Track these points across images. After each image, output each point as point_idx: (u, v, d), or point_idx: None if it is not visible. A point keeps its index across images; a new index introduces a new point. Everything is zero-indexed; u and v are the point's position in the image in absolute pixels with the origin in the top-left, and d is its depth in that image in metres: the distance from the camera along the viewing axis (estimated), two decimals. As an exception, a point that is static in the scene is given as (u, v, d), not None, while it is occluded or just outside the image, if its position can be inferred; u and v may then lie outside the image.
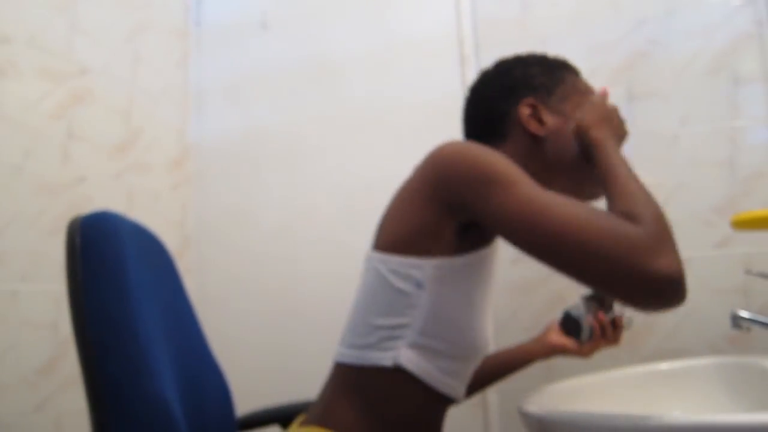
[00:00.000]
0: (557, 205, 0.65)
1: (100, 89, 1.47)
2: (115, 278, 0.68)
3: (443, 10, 1.60)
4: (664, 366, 1.06)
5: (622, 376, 1.05)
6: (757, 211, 1.06)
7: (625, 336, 1.33)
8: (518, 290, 1.42)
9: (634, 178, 0.73)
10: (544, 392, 0.92)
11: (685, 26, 1.37)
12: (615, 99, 1.40)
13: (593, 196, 0.89)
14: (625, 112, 1.39)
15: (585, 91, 0.92)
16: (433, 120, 1.58)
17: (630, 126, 1.38)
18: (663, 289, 0.58)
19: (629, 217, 0.63)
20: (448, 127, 1.61)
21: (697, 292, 1.28)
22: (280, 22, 1.73)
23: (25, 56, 1.28)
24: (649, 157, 1.36)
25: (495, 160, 0.71)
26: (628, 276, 0.58)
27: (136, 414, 0.64)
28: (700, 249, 1.30)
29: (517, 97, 0.88)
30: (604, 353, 1.33)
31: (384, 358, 0.74)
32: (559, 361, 1.36)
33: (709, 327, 1.26)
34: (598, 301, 1.02)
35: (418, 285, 0.73)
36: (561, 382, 0.99)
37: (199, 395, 0.87)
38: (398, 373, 0.73)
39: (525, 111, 0.86)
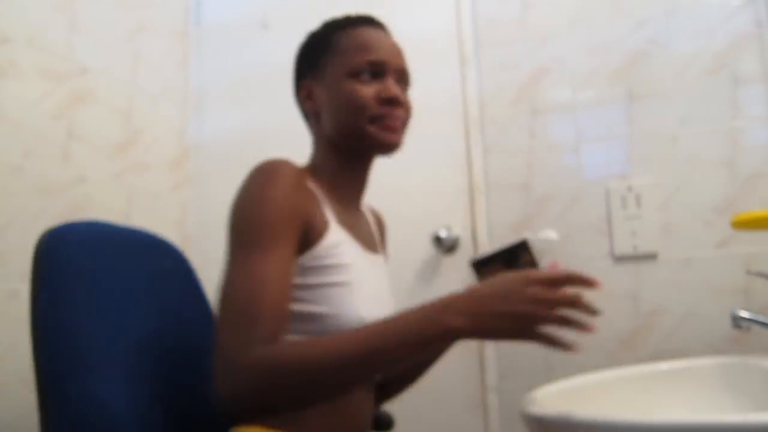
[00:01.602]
0: (237, 287, 0.69)
1: (100, 89, 1.47)
2: (64, 285, 0.75)
3: (443, 9, 1.60)
4: (664, 366, 1.06)
5: (622, 376, 1.05)
6: (757, 211, 1.06)
7: (625, 336, 1.33)
8: (518, 290, 1.42)
9: (374, 363, 0.66)
10: (544, 392, 0.92)
11: (685, 26, 1.37)
12: (615, 99, 1.41)
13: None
14: (625, 112, 1.40)
15: (347, 46, 0.86)
16: (433, 120, 1.57)
17: (630, 126, 1.39)
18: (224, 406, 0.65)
19: (270, 360, 0.64)
20: (448, 126, 1.62)
21: (697, 292, 1.29)
22: (280, 22, 1.73)
23: (25, 56, 1.28)
24: (649, 157, 1.37)
25: (260, 210, 0.73)
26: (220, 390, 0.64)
27: (69, 409, 0.69)
28: (700, 249, 1.30)
29: (299, 84, 0.91)
30: (604, 353, 1.34)
31: None
32: (559, 361, 1.36)
33: (709, 327, 1.26)
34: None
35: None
36: (561, 382, 0.99)
37: (191, 395, 0.87)
38: None
39: (302, 95, 0.90)
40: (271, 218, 0.73)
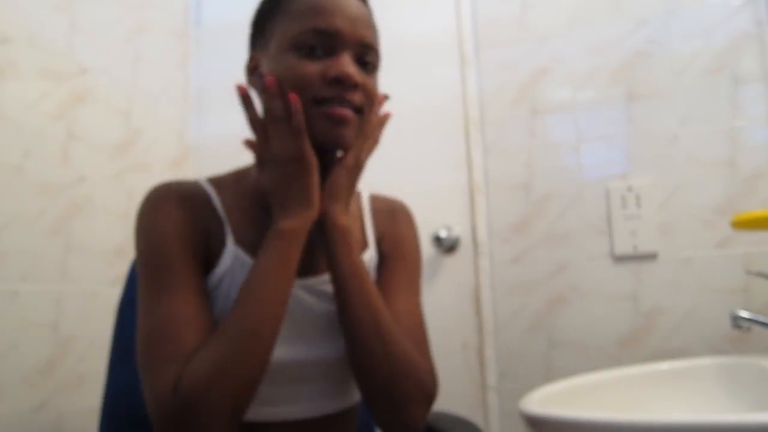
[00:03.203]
0: (146, 332, 0.64)
1: (100, 89, 1.47)
2: (130, 288, 0.90)
3: (443, 9, 1.60)
4: (664, 366, 1.06)
5: (622, 376, 1.05)
6: (757, 211, 1.06)
7: (625, 336, 1.33)
8: (518, 290, 1.42)
9: (253, 293, 0.64)
10: (544, 392, 0.92)
11: (685, 26, 1.37)
12: (615, 99, 1.41)
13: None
14: (625, 112, 1.40)
15: (292, 12, 0.69)
16: (433, 119, 1.58)
17: (630, 126, 1.39)
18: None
19: (186, 379, 0.59)
20: (448, 126, 1.62)
21: (697, 292, 1.29)
22: (280, 22, 1.73)
23: (25, 56, 1.28)
24: (649, 157, 1.37)
25: (154, 246, 0.67)
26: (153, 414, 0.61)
27: (107, 392, 0.88)
28: (700, 249, 1.30)
29: (249, 58, 0.77)
30: (605, 353, 1.34)
31: None
32: (559, 361, 1.37)
33: (709, 327, 1.26)
34: None
35: None
36: (561, 382, 0.99)
37: None
38: None
39: (249, 70, 0.76)
40: (167, 249, 0.66)
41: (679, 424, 0.63)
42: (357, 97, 0.68)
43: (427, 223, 1.50)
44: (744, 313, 1.05)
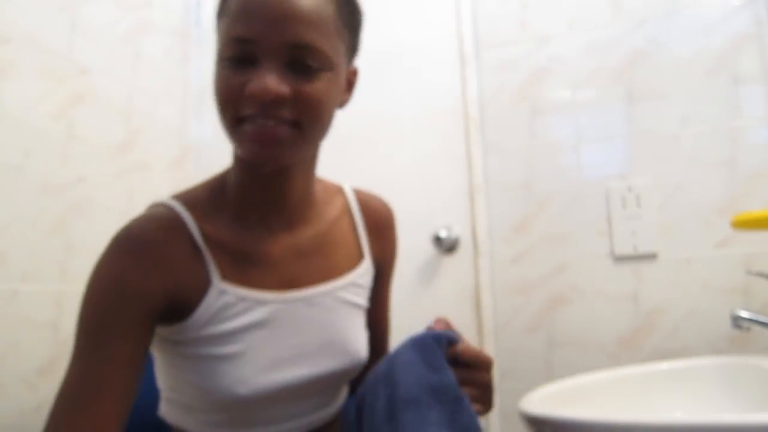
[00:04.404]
0: (62, 393, 0.59)
1: (100, 89, 1.46)
2: None
3: (443, 9, 1.60)
4: (664, 366, 1.06)
5: (622, 376, 1.05)
6: (757, 211, 1.06)
7: (625, 336, 1.33)
8: (518, 290, 1.43)
9: None
10: (544, 392, 0.92)
11: (685, 26, 1.37)
12: (615, 99, 1.41)
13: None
14: (625, 112, 1.40)
15: (228, 13, 0.64)
16: (433, 119, 1.58)
17: (630, 126, 1.39)
18: None
19: None
20: (448, 126, 1.62)
21: (697, 292, 1.29)
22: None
23: (25, 56, 1.28)
24: (649, 157, 1.37)
25: (99, 298, 0.60)
26: None
27: None
28: (700, 249, 1.30)
29: None
30: (605, 353, 1.34)
31: (162, 409, 0.74)
32: (559, 361, 1.37)
33: (709, 327, 1.26)
34: None
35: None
36: (561, 382, 0.99)
37: None
38: (171, 428, 0.73)
39: None
40: (108, 310, 0.59)
41: (679, 424, 0.63)
42: (287, 112, 0.59)
43: (427, 223, 1.50)
44: (744, 313, 1.05)
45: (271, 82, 0.58)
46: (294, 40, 0.59)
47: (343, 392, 0.80)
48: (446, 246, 1.48)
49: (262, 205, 0.69)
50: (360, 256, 0.78)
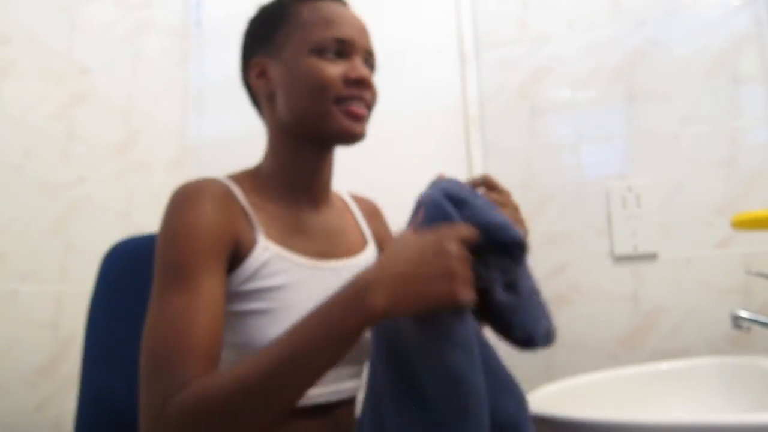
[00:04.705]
0: (155, 332, 0.62)
1: (100, 89, 1.47)
2: (103, 290, 0.90)
3: (443, 9, 1.60)
4: (664, 366, 1.06)
5: (622, 376, 1.05)
6: (757, 211, 1.06)
7: (625, 336, 1.33)
8: (518, 290, 1.42)
9: (295, 357, 0.57)
10: (544, 392, 0.92)
11: (685, 26, 1.37)
12: (615, 99, 1.41)
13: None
14: (625, 112, 1.40)
15: (309, 21, 0.76)
16: (433, 119, 1.58)
17: (630, 126, 1.39)
18: None
19: (181, 402, 0.57)
20: (448, 126, 1.62)
21: (697, 292, 1.28)
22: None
23: (25, 56, 1.28)
24: (649, 157, 1.37)
25: (169, 235, 0.67)
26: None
27: (83, 394, 0.86)
28: (700, 249, 1.30)
29: (248, 61, 0.81)
30: (605, 353, 1.34)
31: None
32: (559, 361, 1.36)
33: (709, 327, 1.26)
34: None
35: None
36: (561, 382, 0.99)
37: None
38: None
39: (253, 73, 0.80)
40: (193, 247, 0.65)
41: (679, 424, 0.63)
42: (369, 96, 0.77)
43: (427, 223, 1.50)
44: (744, 313, 1.05)
45: (367, 71, 0.76)
46: (368, 47, 0.79)
47: (363, 373, 0.80)
48: (446, 246, 1.48)
49: (296, 187, 0.80)
50: (365, 242, 0.88)
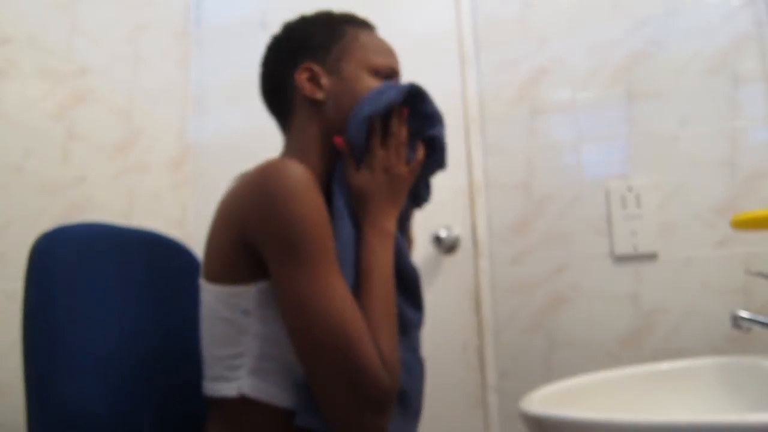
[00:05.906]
0: (334, 313, 0.67)
1: (100, 89, 1.47)
2: (50, 287, 0.81)
3: (443, 9, 1.60)
4: (664, 366, 1.06)
5: (622, 376, 1.05)
6: (757, 211, 1.06)
7: (625, 336, 1.33)
8: (518, 290, 1.42)
9: (386, 280, 0.75)
10: (544, 392, 0.92)
11: (685, 26, 1.37)
12: (615, 99, 1.41)
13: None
14: (625, 112, 1.40)
15: (368, 46, 0.88)
16: (433, 120, 1.57)
17: (630, 126, 1.39)
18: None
19: (385, 361, 0.68)
20: (448, 126, 1.61)
21: (697, 292, 1.29)
22: (280, 22, 1.73)
23: (25, 56, 1.28)
24: (649, 157, 1.37)
25: (307, 218, 0.69)
26: (350, 413, 0.66)
27: (46, 410, 0.76)
28: (700, 249, 1.30)
29: (295, 62, 0.85)
30: (605, 353, 1.34)
31: (229, 388, 0.73)
32: (559, 361, 1.37)
33: (709, 327, 1.26)
34: None
35: (245, 312, 0.72)
36: (561, 382, 0.99)
37: (180, 398, 0.87)
38: (246, 402, 0.72)
39: (302, 75, 0.84)
40: (323, 234, 0.70)
41: (679, 424, 0.63)
42: None
43: (427, 223, 1.50)
44: (744, 313, 1.04)
45: None
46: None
47: None
48: (446, 246, 1.48)
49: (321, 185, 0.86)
50: None
